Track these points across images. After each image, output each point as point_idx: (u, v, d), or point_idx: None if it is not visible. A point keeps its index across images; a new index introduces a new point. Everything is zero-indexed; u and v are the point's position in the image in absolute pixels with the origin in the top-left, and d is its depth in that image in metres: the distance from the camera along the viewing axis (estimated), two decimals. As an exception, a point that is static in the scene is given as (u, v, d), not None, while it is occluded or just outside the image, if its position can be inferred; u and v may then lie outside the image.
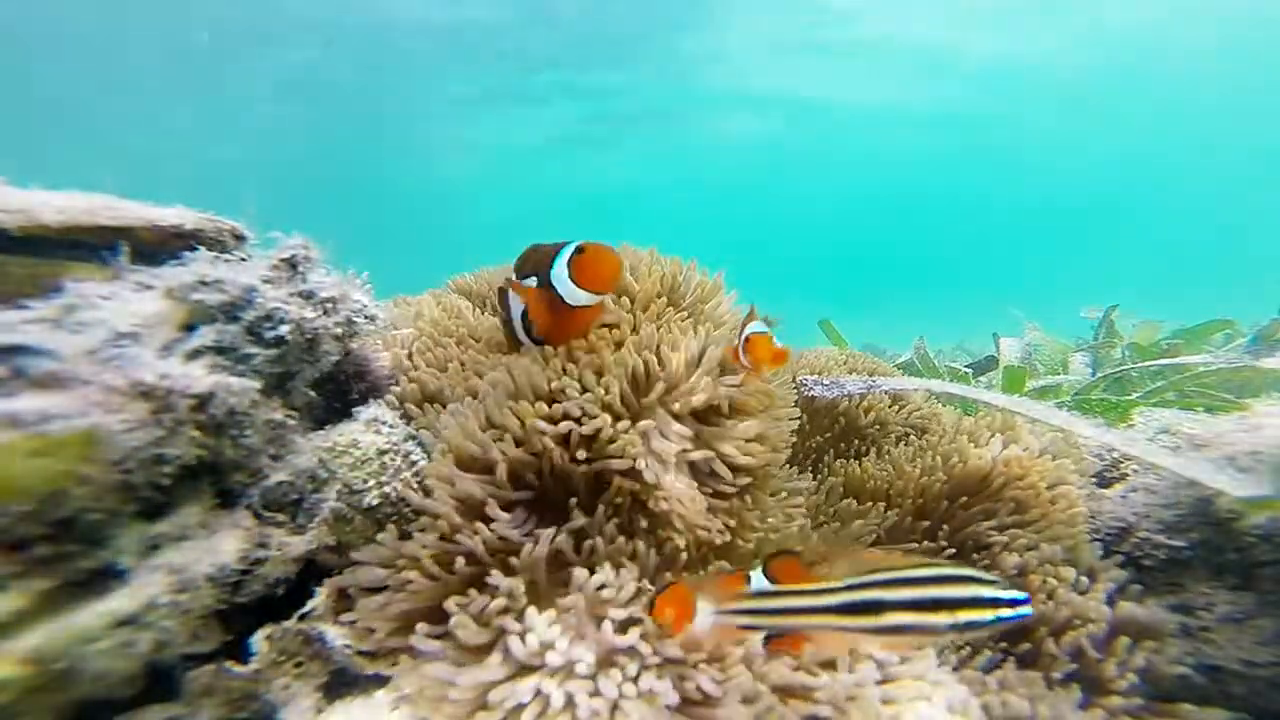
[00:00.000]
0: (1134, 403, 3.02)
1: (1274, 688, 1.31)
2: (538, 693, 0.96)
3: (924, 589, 0.87)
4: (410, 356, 1.54)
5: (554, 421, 1.17)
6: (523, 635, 1.01)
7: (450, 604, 1.07)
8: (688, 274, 1.53)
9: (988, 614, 0.87)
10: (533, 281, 1.30)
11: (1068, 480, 1.48)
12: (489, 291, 1.91)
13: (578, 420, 1.17)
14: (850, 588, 0.89)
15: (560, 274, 1.24)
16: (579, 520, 1.16)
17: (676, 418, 1.18)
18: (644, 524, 1.21)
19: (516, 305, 1.37)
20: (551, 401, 1.20)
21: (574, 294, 1.24)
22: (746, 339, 1.15)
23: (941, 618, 0.86)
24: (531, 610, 1.04)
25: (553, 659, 0.98)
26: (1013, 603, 0.87)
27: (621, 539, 1.17)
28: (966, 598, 0.87)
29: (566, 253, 1.25)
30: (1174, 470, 1.44)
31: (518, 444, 1.17)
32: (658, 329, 1.31)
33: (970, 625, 0.87)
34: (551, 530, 1.13)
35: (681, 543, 1.19)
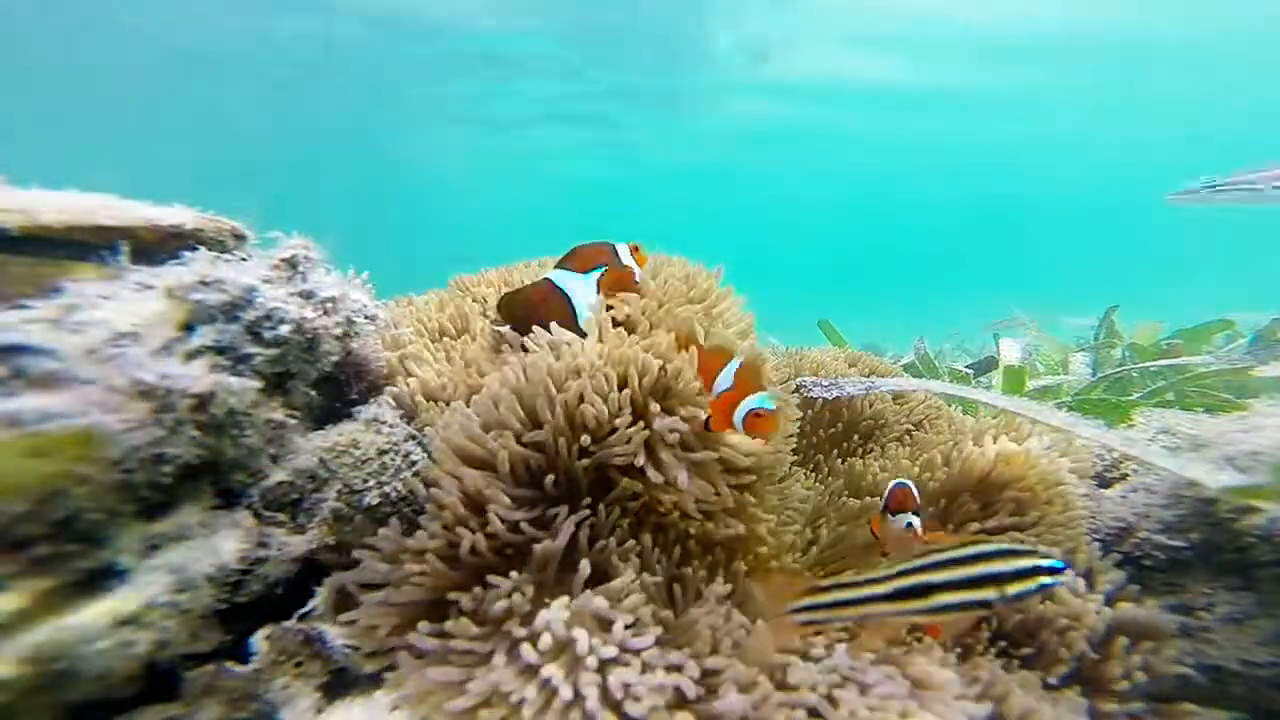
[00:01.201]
0: (1135, 403, 3.02)
1: (1274, 688, 1.31)
2: (545, 685, 0.96)
3: (969, 567, 0.93)
4: (406, 358, 1.54)
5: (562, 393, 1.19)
6: (533, 638, 1.01)
7: (465, 600, 1.07)
8: (695, 275, 1.54)
9: (1032, 583, 0.92)
10: (596, 274, 1.51)
11: (1066, 480, 1.47)
12: (495, 292, 1.92)
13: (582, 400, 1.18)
14: (900, 574, 0.95)
15: (631, 263, 1.51)
16: (583, 513, 1.17)
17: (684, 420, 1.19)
18: (651, 521, 1.21)
19: (585, 297, 1.48)
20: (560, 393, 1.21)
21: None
22: (751, 412, 1.07)
23: (991, 593, 0.92)
24: (543, 612, 1.04)
25: (562, 653, 0.98)
26: (1052, 570, 0.93)
27: (631, 540, 1.17)
28: (1011, 571, 0.92)
29: (625, 249, 1.54)
30: (1173, 470, 1.44)
31: (519, 440, 1.17)
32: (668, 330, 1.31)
33: (1019, 596, 0.93)
34: (568, 518, 1.13)
35: (692, 529, 1.19)
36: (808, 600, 0.98)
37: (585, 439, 1.17)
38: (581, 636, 0.98)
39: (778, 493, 1.42)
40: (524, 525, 1.12)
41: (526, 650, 0.99)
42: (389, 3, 14.13)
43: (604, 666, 0.97)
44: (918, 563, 0.95)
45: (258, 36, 15.48)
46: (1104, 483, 1.82)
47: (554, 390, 1.17)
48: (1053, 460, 1.49)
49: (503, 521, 1.11)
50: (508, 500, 1.13)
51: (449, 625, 1.05)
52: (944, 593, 0.93)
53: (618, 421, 1.16)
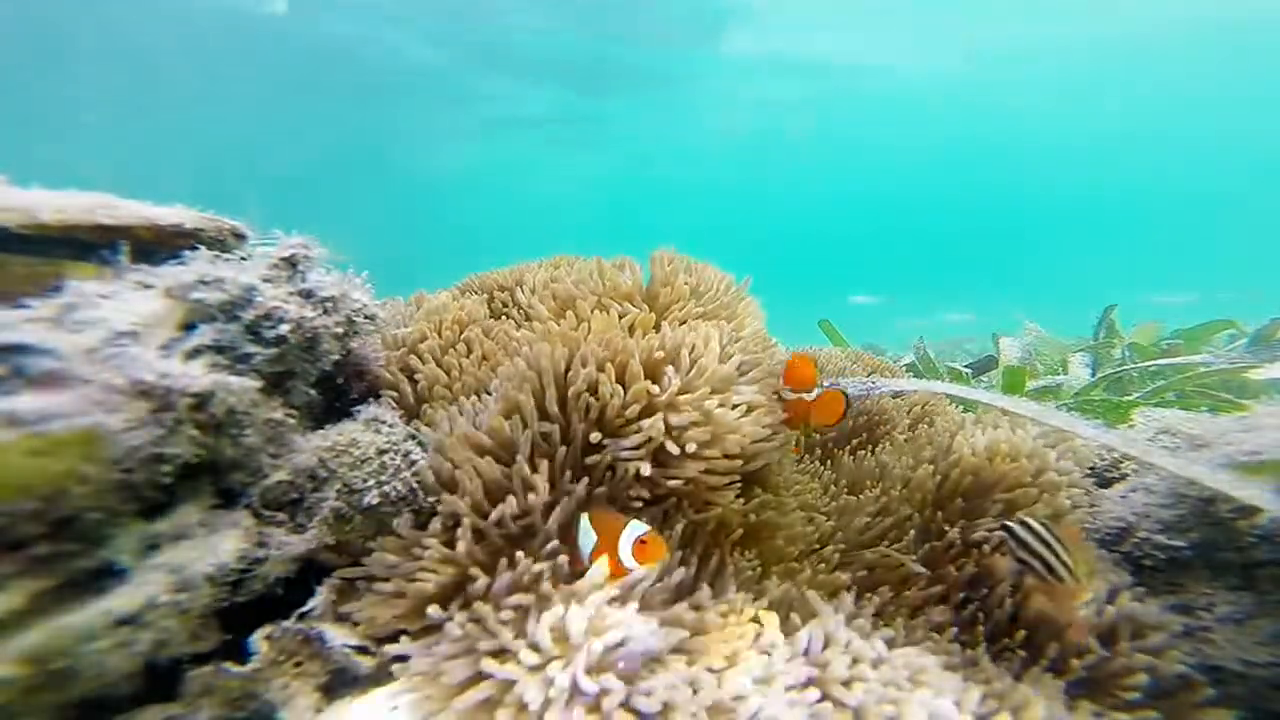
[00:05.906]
0: (1134, 403, 3.02)
1: (1274, 688, 1.31)
2: (550, 681, 0.96)
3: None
4: (414, 354, 1.54)
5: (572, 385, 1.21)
6: (541, 629, 1.01)
7: (475, 586, 1.07)
8: (705, 274, 1.54)
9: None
10: None
11: (1050, 468, 1.46)
12: (503, 291, 1.94)
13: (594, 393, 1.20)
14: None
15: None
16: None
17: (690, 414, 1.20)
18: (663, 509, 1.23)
19: None
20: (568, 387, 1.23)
21: None
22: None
23: None
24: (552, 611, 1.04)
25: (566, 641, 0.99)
26: None
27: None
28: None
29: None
30: (1173, 470, 1.44)
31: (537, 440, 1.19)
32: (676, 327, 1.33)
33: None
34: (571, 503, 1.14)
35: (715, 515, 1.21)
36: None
37: (596, 435, 1.19)
38: (587, 626, 0.99)
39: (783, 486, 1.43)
40: (532, 503, 1.14)
41: (534, 640, 0.99)
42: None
43: (606, 654, 0.97)
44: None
45: (260, 33, 15.48)
46: (1104, 483, 1.82)
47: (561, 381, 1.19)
48: (1040, 452, 1.48)
49: (517, 508, 1.12)
50: (543, 481, 1.14)
51: (456, 615, 1.06)
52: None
53: (629, 412, 1.18)
